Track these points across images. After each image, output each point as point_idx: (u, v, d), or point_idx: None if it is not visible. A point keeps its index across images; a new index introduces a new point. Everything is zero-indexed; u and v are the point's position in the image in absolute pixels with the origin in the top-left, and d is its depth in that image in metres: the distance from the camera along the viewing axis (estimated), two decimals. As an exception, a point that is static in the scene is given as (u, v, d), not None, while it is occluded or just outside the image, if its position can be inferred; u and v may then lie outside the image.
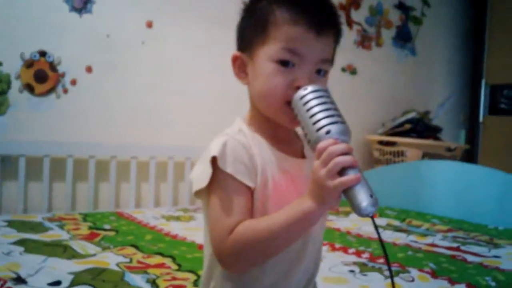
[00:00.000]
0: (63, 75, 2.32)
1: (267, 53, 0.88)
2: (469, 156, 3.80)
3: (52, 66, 2.29)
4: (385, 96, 3.56)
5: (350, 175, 0.76)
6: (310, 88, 0.82)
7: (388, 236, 2.02)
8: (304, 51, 0.87)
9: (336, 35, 0.93)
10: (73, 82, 2.35)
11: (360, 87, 3.40)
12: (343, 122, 0.80)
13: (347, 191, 0.77)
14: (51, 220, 1.98)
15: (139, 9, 2.51)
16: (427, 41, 3.82)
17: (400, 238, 1.99)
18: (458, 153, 3.37)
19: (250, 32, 0.92)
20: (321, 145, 0.78)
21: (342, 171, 0.77)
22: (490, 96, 3.98)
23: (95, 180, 2.39)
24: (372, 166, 3.29)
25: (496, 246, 1.90)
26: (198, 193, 0.89)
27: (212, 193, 0.87)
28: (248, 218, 0.85)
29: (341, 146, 0.77)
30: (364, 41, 3.42)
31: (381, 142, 3.26)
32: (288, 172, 0.91)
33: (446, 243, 1.92)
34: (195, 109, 2.68)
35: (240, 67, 0.95)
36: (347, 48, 3.29)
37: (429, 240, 1.98)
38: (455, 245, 1.90)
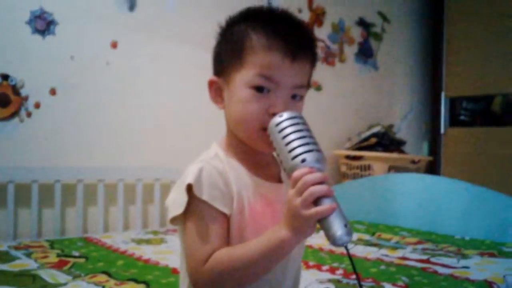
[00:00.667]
0: (26, 98, 2.26)
1: (243, 79, 0.88)
2: (433, 167, 3.89)
3: (15, 90, 2.24)
4: (350, 111, 3.62)
5: (325, 205, 0.76)
6: (285, 115, 0.83)
7: (360, 251, 2.04)
8: (280, 78, 0.87)
9: (312, 59, 0.94)
10: (37, 105, 2.29)
11: (325, 102, 3.45)
12: (318, 150, 0.80)
13: (321, 220, 0.77)
14: (17, 248, 1.92)
15: (104, 30, 2.48)
16: (388, 56, 3.92)
17: (372, 253, 2.01)
18: (422, 165, 3.45)
19: (226, 57, 0.92)
20: (296, 174, 0.78)
21: (317, 200, 0.77)
22: (450, 108, 4.10)
23: (62, 204, 2.33)
24: (340, 181, 3.33)
25: (464, 256, 1.95)
26: (173, 220, 0.89)
27: (188, 221, 0.87)
28: (225, 245, 0.85)
29: (316, 176, 0.77)
30: (328, 58, 3.48)
31: (348, 157, 3.31)
32: (265, 196, 0.91)
33: (416, 256, 1.95)
34: (163, 130, 2.66)
35: (216, 91, 0.95)
36: (311, 65, 3.33)
37: (399, 253, 2.01)
38: (425, 257, 1.93)
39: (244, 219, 0.88)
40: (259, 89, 0.88)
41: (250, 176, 0.92)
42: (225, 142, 0.96)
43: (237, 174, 0.91)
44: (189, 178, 0.86)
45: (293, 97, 0.90)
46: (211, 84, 0.96)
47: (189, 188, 0.85)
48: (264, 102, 0.88)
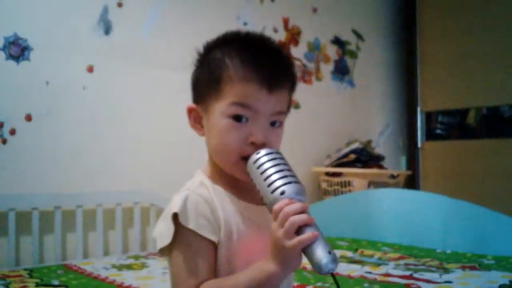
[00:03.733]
0: (1, 125, 2.23)
1: (221, 109, 0.88)
2: (411, 181, 3.92)
3: (-11, 117, 2.20)
4: (329, 128, 3.65)
5: (308, 233, 0.77)
6: (262, 151, 0.84)
7: (343, 268, 2.04)
8: (257, 107, 0.88)
9: (292, 84, 0.95)
10: (12, 132, 2.26)
11: (304, 120, 3.47)
12: (297, 182, 0.81)
13: (306, 249, 0.77)
14: (-6, 279, 1.87)
15: (79, 54, 2.47)
16: (364, 73, 3.97)
17: (355, 270, 2.01)
18: (401, 179, 3.48)
19: (204, 85, 0.92)
20: (276, 206, 0.79)
21: (299, 230, 0.77)
22: (426, 122, 4.16)
23: (40, 232, 2.28)
24: (321, 198, 3.34)
25: (446, 271, 1.96)
26: (162, 251, 0.88)
27: (175, 250, 0.86)
28: (212, 276, 0.85)
29: (296, 206, 0.78)
30: (304, 76, 3.51)
31: (327, 174, 3.33)
32: (253, 220, 0.91)
33: (399, 272, 1.96)
34: (141, 153, 2.64)
35: (196, 119, 0.95)
36: (289, 84, 3.36)
37: (382, 270, 2.02)
38: (407, 273, 1.94)
39: (233, 246, 0.88)
40: (237, 118, 0.88)
41: (237, 201, 0.92)
42: (208, 168, 0.96)
43: (224, 201, 0.90)
44: (175, 207, 0.86)
45: (273, 123, 0.90)
46: (190, 111, 0.96)
47: (175, 217, 0.85)
48: (243, 131, 0.88)
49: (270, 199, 0.80)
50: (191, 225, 0.85)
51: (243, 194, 0.93)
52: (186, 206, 0.86)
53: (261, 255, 0.82)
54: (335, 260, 0.77)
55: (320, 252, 0.76)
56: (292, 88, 0.95)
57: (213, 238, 0.86)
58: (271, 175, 0.81)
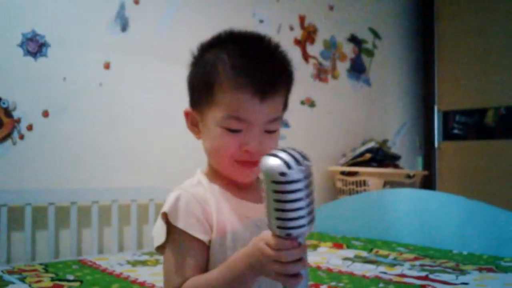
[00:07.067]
0: (18, 120, 2.25)
1: (214, 118, 0.88)
2: (427, 181, 3.89)
3: (7, 112, 2.22)
4: (344, 127, 3.63)
5: (296, 279, 0.73)
6: (291, 174, 0.68)
7: (358, 268, 2.02)
8: (250, 118, 0.86)
9: (287, 86, 0.93)
10: (30, 128, 2.28)
11: (319, 119, 3.45)
12: (308, 223, 0.71)
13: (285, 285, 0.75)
14: (10, 273, 1.88)
15: (96, 51, 2.48)
16: (380, 71, 3.94)
17: (370, 270, 1.99)
18: (418, 179, 3.44)
19: (198, 90, 0.92)
20: (279, 246, 0.73)
21: None
22: (443, 122, 4.12)
23: (56, 227, 2.30)
24: (336, 197, 3.32)
25: (463, 272, 1.93)
26: (158, 249, 0.90)
27: (167, 248, 0.88)
28: (200, 274, 0.85)
29: (296, 253, 0.73)
30: (320, 74, 3.49)
31: (343, 173, 3.31)
32: (250, 218, 0.91)
33: (414, 273, 1.94)
34: (157, 150, 2.65)
35: (193, 122, 0.96)
36: (305, 82, 3.35)
37: (398, 270, 2.00)
38: (423, 274, 1.92)
39: (227, 243, 0.88)
40: (232, 130, 0.87)
41: (234, 200, 0.92)
42: (207, 168, 0.97)
43: (220, 199, 0.91)
44: (165, 206, 0.88)
45: (267, 131, 0.89)
46: (187, 115, 0.97)
47: (166, 216, 0.87)
48: (237, 140, 0.87)
49: (273, 227, 0.72)
50: (180, 224, 0.85)
51: (242, 193, 0.93)
52: (177, 205, 0.87)
53: None
54: None
55: None
56: (288, 88, 0.94)
57: (202, 237, 0.86)
58: (284, 210, 0.69)
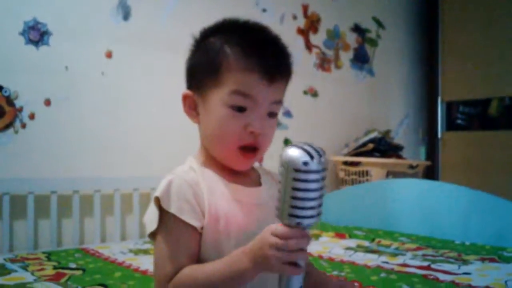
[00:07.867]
0: (20, 109, 2.25)
1: (220, 97, 0.88)
2: (430, 172, 3.88)
3: (9, 101, 2.22)
4: (347, 117, 3.61)
5: (294, 268, 0.76)
6: (312, 165, 0.73)
7: (360, 258, 2.02)
8: (258, 96, 0.87)
9: (289, 76, 0.94)
10: (32, 116, 2.28)
11: (322, 109, 3.44)
12: (318, 214, 0.76)
13: (282, 275, 0.77)
14: (13, 261, 1.89)
15: (98, 40, 2.47)
16: (384, 61, 3.92)
17: (372, 260, 1.99)
18: (420, 170, 3.43)
19: (201, 72, 0.91)
20: (288, 234, 0.75)
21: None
22: (446, 113, 4.10)
23: (58, 215, 2.31)
24: (338, 187, 3.31)
25: (465, 262, 1.93)
26: (151, 236, 0.89)
27: (158, 235, 0.87)
28: (191, 262, 0.84)
29: (303, 242, 0.75)
30: (323, 64, 3.47)
31: (345, 163, 3.30)
32: (244, 202, 0.91)
33: (417, 262, 1.94)
34: (159, 139, 2.64)
35: (191, 106, 0.94)
36: (307, 71, 3.33)
37: (400, 260, 1.99)
38: (425, 263, 1.91)
39: (220, 229, 0.87)
40: (238, 108, 0.87)
41: (227, 184, 0.91)
42: (200, 155, 0.96)
43: (212, 184, 0.90)
44: (158, 191, 0.87)
45: (270, 114, 0.90)
46: (185, 98, 0.96)
47: (158, 201, 0.86)
48: (242, 121, 0.88)
49: (283, 215, 0.75)
50: (173, 209, 0.85)
51: (235, 177, 0.93)
52: (170, 190, 0.86)
53: (250, 239, 0.80)
54: None
55: (294, 286, 0.77)
56: (288, 80, 0.95)
57: (194, 223, 0.85)
58: (299, 199, 0.73)
